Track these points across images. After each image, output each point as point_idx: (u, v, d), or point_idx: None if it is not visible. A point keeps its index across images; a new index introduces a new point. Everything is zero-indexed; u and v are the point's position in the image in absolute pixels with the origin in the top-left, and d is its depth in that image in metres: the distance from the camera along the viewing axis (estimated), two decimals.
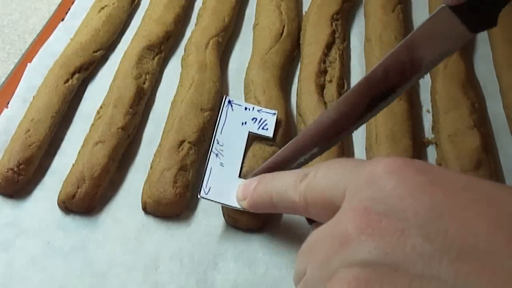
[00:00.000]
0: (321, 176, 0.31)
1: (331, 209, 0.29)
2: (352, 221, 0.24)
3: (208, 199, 0.42)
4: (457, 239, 0.22)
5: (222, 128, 0.46)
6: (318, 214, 0.32)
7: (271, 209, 0.39)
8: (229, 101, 0.48)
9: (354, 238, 0.24)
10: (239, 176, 0.44)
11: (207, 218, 0.45)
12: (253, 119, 0.47)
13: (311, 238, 0.28)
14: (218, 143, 0.45)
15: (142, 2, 0.65)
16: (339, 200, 0.28)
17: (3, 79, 0.57)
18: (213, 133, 0.46)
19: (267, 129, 0.47)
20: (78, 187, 0.44)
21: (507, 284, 0.20)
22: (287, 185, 0.35)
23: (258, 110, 0.48)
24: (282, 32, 0.58)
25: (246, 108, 0.48)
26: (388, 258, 0.22)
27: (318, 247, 0.26)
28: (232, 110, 0.47)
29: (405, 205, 0.24)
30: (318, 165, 0.33)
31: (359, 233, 0.24)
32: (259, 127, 0.47)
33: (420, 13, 0.64)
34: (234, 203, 0.42)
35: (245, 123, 0.47)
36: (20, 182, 0.46)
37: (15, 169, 0.45)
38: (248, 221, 0.43)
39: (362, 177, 0.26)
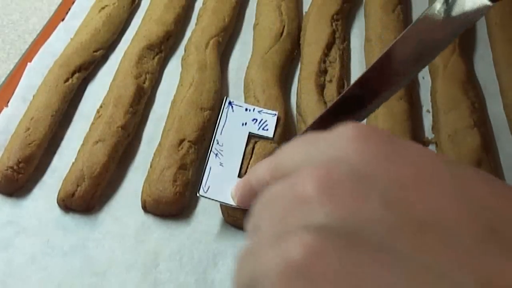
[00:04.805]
0: (286, 155, 0.29)
1: None
2: (312, 179, 0.23)
3: (207, 197, 0.42)
4: (420, 211, 0.21)
5: (222, 129, 0.46)
6: None
7: (254, 198, 0.38)
8: (230, 102, 0.48)
9: (313, 197, 0.22)
10: (238, 176, 0.44)
11: (207, 217, 0.45)
12: (253, 119, 0.47)
13: (267, 194, 0.26)
14: (217, 143, 0.45)
15: (142, 2, 0.65)
16: None
17: (3, 79, 0.57)
18: (213, 132, 0.46)
19: (267, 129, 0.47)
20: (77, 186, 0.44)
21: (464, 263, 0.19)
22: (262, 169, 0.35)
23: (258, 111, 0.48)
24: (282, 32, 0.58)
25: (246, 109, 0.48)
26: (345, 224, 0.21)
27: (275, 203, 0.25)
28: (233, 111, 0.47)
29: (369, 170, 0.23)
30: (283, 145, 0.32)
31: (319, 193, 0.22)
32: (259, 128, 0.47)
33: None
34: (233, 202, 0.42)
35: (246, 123, 0.47)
36: (20, 181, 0.46)
37: (15, 167, 0.45)
38: None
39: (327, 144, 0.25)
